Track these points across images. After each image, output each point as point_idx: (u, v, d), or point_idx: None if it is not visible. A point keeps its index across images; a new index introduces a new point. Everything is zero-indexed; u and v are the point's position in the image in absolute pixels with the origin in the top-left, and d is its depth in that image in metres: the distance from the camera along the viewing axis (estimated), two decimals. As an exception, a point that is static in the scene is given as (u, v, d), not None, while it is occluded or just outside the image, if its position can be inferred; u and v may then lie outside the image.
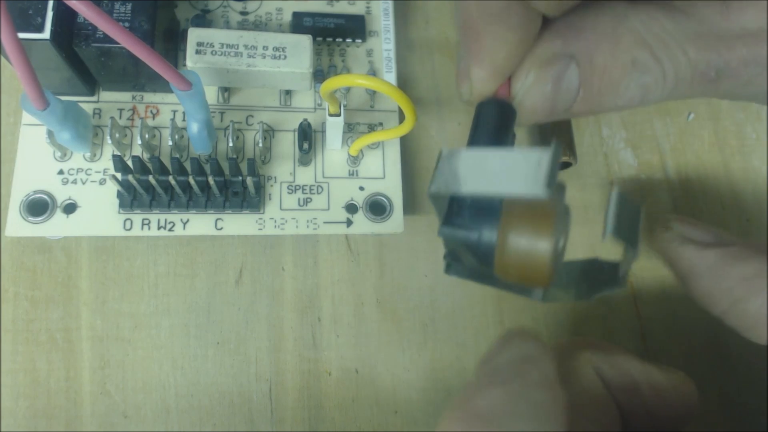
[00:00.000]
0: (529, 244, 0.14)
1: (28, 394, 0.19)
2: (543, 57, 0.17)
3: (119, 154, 0.18)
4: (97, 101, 0.20)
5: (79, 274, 0.20)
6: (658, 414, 0.17)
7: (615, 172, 0.24)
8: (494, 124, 0.17)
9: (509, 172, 0.13)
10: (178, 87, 0.17)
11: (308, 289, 0.21)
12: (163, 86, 0.20)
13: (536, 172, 0.13)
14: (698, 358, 0.22)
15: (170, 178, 0.18)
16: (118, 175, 0.18)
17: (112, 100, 0.20)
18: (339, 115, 0.19)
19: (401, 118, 0.22)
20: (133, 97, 0.20)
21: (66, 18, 0.17)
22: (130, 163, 0.18)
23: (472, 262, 0.15)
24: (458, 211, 0.15)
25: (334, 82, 0.17)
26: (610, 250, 0.22)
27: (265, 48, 0.19)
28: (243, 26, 0.22)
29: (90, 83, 0.20)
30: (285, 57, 0.19)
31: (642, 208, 0.14)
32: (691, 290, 0.18)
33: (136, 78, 0.19)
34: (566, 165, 0.22)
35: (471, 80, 0.17)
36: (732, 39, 0.16)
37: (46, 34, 0.17)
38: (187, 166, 0.19)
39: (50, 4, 0.17)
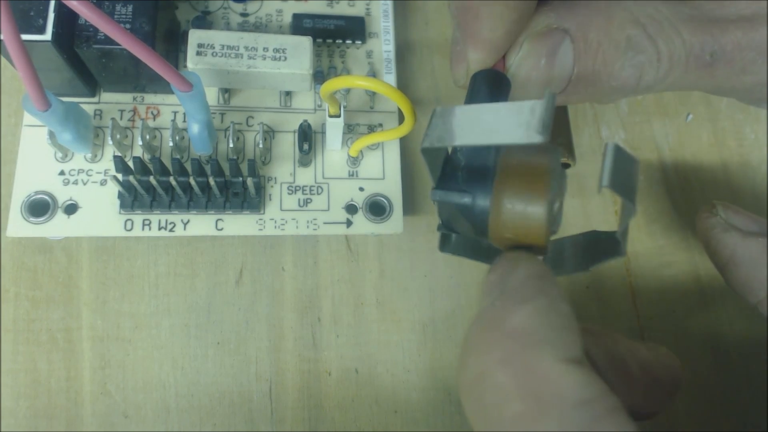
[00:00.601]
0: (524, 206, 0.14)
1: (28, 394, 0.19)
2: (537, 29, 0.17)
3: (120, 155, 0.19)
4: (98, 102, 0.20)
5: (80, 275, 0.20)
6: (648, 389, 0.17)
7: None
8: (489, 92, 0.16)
9: (503, 122, 0.13)
10: (179, 88, 0.17)
11: (308, 289, 0.21)
12: (164, 87, 0.20)
13: (529, 119, 0.13)
14: (698, 358, 0.22)
15: (171, 178, 0.18)
16: (119, 176, 0.18)
17: (112, 101, 0.20)
18: (339, 116, 0.19)
19: (401, 119, 0.22)
20: (134, 98, 0.20)
21: (67, 19, 0.17)
22: (131, 163, 0.18)
23: (466, 229, 0.15)
24: (451, 174, 0.15)
25: (334, 84, 0.17)
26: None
27: (266, 49, 0.19)
28: (243, 28, 0.22)
29: (91, 84, 0.20)
30: (285, 58, 0.19)
31: (638, 163, 0.14)
32: (728, 278, 0.18)
33: (137, 79, 0.19)
34: (565, 166, 0.22)
35: (468, 61, 0.17)
36: (726, 23, 0.16)
37: (47, 35, 0.17)
38: (188, 166, 0.19)
39: (51, 5, 0.17)
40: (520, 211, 0.14)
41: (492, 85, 0.17)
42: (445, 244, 0.17)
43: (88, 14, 0.14)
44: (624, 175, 0.13)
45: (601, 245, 0.16)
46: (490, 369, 0.12)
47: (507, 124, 0.13)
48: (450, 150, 0.15)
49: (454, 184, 0.15)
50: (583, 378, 0.11)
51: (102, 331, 0.20)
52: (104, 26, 0.15)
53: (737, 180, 0.25)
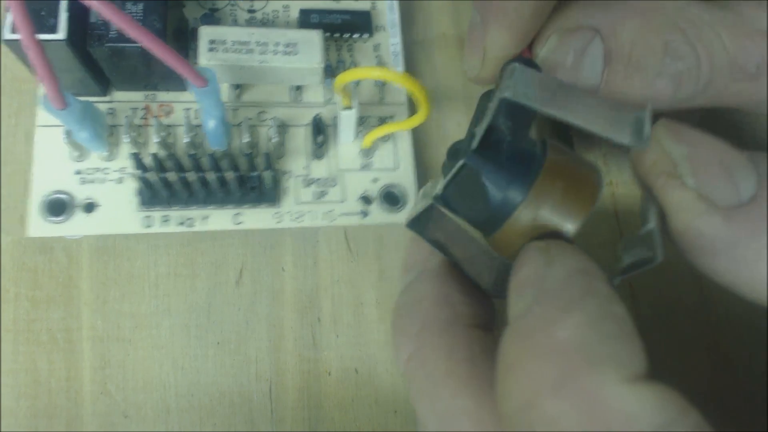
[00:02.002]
0: (558, 217, 0.12)
1: (28, 394, 0.19)
2: (566, 26, 0.15)
3: (137, 152, 0.19)
4: (110, 101, 0.20)
5: (80, 275, 0.20)
6: None
7: (614, 174, 0.24)
8: None
9: (598, 111, 0.12)
10: (195, 84, 0.17)
11: (308, 289, 0.21)
12: (175, 84, 0.20)
13: (633, 122, 0.11)
14: (698, 358, 0.22)
15: (189, 174, 0.18)
16: (138, 173, 0.18)
17: (124, 99, 0.20)
18: (351, 108, 0.19)
19: (411, 110, 0.22)
20: (146, 96, 0.20)
21: (79, 18, 0.17)
22: (148, 160, 0.18)
23: (474, 212, 0.13)
24: (495, 145, 0.13)
25: (348, 76, 0.17)
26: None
27: (277, 44, 0.19)
28: (250, 24, 0.22)
29: (102, 83, 0.20)
30: (296, 53, 0.19)
31: None
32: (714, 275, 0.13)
33: (148, 77, 0.20)
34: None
35: (486, 48, 0.16)
36: None
37: (61, 34, 0.17)
38: (204, 162, 0.19)
39: (63, 4, 0.17)
40: (554, 218, 0.12)
41: None
42: (418, 221, 0.14)
43: (106, 12, 0.14)
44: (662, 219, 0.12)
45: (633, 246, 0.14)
46: (539, 397, 0.10)
47: (604, 116, 0.12)
48: (491, 117, 0.13)
49: (495, 156, 0.13)
50: (655, 398, 0.10)
51: (102, 331, 0.20)
52: (122, 24, 0.14)
53: None
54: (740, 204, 0.12)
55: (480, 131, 0.13)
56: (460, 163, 0.13)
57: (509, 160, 0.13)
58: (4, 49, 0.22)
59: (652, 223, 0.12)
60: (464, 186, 0.13)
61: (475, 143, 0.13)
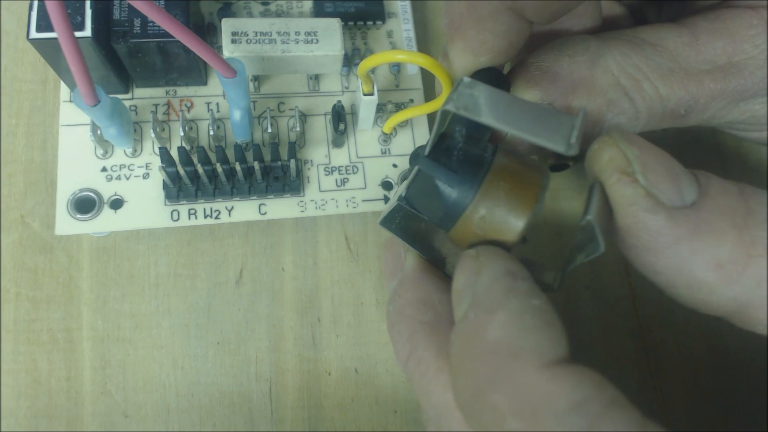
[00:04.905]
0: (506, 212, 0.13)
1: (29, 394, 0.19)
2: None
3: (165, 147, 0.19)
4: (132, 98, 0.20)
5: (80, 275, 0.20)
6: None
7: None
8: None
9: (537, 121, 0.13)
10: (224, 75, 0.17)
11: (308, 290, 0.21)
12: (195, 80, 0.20)
13: (567, 130, 0.13)
14: (698, 358, 0.22)
15: (217, 165, 0.18)
16: (166, 167, 0.18)
17: (146, 96, 0.20)
18: (372, 94, 0.19)
19: (427, 96, 0.22)
20: (167, 92, 0.20)
21: (102, 16, 0.18)
22: (175, 154, 0.18)
23: (432, 212, 0.15)
24: (447, 150, 0.14)
25: (372, 60, 0.17)
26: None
27: (297, 33, 0.19)
28: (265, 17, 0.22)
29: (124, 80, 0.20)
30: (317, 41, 0.19)
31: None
32: (646, 265, 0.14)
33: (168, 73, 0.20)
34: (564, 166, 0.22)
35: (452, 70, 0.17)
36: (701, 74, 0.16)
37: (87, 32, 0.17)
38: (229, 154, 0.19)
39: (88, 3, 0.17)
40: (499, 216, 0.14)
41: (493, 83, 0.16)
42: (390, 219, 0.16)
43: (143, 7, 0.14)
44: (605, 214, 0.13)
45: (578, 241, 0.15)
46: (480, 390, 0.12)
47: (542, 124, 0.13)
48: (446, 124, 0.14)
49: (447, 160, 0.14)
50: (571, 379, 0.11)
51: (102, 331, 0.20)
52: (159, 18, 0.15)
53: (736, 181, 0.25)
54: (683, 206, 0.13)
55: (431, 139, 0.14)
56: (416, 168, 0.14)
57: (461, 164, 0.14)
58: (4, 49, 0.22)
59: (590, 215, 0.13)
60: (422, 188, 0.15)
61: (427, 150, 0.14)
